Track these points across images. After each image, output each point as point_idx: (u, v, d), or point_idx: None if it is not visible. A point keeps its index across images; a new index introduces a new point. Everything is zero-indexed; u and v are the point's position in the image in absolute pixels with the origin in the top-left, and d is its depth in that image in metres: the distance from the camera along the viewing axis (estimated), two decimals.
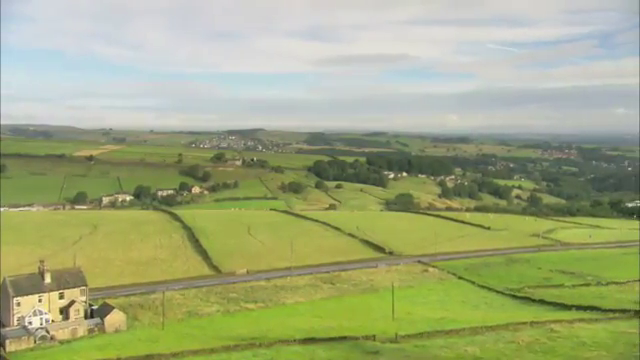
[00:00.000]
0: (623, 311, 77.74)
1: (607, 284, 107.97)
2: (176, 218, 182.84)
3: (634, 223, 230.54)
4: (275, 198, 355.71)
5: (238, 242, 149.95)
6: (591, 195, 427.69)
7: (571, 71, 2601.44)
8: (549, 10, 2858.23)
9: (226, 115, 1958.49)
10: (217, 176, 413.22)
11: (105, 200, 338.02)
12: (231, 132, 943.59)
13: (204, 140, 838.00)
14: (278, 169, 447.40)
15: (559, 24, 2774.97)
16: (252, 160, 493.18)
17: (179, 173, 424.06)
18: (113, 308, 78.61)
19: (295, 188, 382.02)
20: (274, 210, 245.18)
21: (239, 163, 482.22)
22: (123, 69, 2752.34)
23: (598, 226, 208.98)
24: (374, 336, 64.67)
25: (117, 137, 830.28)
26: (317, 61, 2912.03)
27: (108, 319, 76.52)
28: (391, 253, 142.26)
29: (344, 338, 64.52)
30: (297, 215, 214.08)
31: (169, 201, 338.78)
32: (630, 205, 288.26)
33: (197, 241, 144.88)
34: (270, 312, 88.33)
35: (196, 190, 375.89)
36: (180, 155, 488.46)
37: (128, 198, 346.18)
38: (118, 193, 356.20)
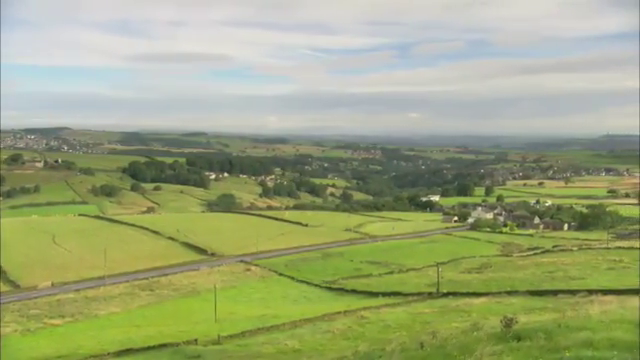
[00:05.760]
0: (419, 294, 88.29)
1: (407, 271, 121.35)
2: None
3: (427, 215, 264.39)
4: (85, 202, 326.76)
5: (41, 252, 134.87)
6: (393, 191, 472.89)
7: (374, 78, 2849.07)
8: (352, 21, 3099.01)
9: (24, 112, 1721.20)
10: (13, 180, 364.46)
11: None
12: (30, 131, 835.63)
13: None
14: (88, 171, 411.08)
15: (362, 34, 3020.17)
16: (56, 162, 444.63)
17: None
18: None
19: (108, 191, 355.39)
20: (84, 215, 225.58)
21: (40, 165, 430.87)
22: None
23: (399, 219, 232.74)
24: (196, 340, 63.57)
25: None
26: (130, 57, 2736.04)
27: None
28: (213, 254, 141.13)
29: (164, 345, 62.19)
30: (111, 220, 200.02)
31: None
32: (424, 199, 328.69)
33: None
34: (80, 326, 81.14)
35: None
36: None
37: None
38: None
